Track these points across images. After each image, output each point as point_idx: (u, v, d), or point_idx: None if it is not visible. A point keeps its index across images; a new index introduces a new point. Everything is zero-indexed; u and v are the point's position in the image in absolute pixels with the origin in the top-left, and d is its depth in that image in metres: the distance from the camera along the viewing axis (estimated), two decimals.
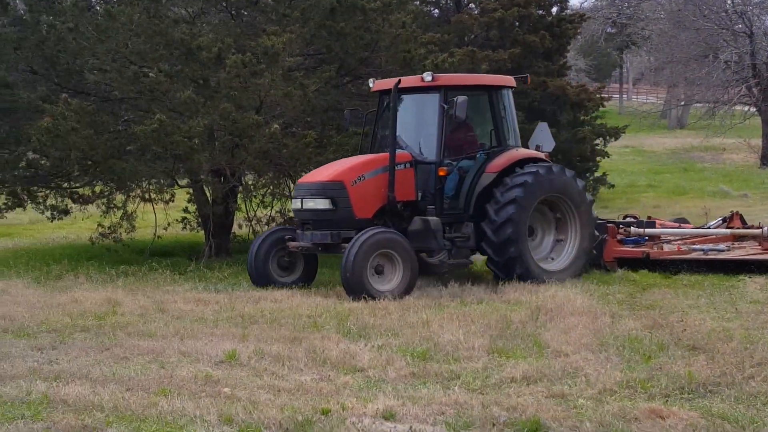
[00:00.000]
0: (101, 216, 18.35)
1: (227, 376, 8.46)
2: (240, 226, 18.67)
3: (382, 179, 13.53)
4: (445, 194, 13.95)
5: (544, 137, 15.64)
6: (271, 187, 16.98)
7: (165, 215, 18.30)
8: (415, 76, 14.14)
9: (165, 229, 18.54)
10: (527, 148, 15.10)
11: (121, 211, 17.89)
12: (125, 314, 11.79)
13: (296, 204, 13.99)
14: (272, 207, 18.33)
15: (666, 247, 15.46)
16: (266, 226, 18.24)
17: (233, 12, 17.43)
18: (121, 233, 17.91)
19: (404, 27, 16.32)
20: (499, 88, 14.51)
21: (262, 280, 14.02)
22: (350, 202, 13.45)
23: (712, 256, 14.91)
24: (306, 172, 14.91)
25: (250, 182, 17.62)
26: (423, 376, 8.33)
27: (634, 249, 15.16)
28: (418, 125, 14.50)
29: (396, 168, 13.56)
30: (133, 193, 17.99)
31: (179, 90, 15.22)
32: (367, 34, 16.23)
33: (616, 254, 15.04)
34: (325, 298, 12.71)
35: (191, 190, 18.48)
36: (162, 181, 17.46)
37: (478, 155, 14.13)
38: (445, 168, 13.78)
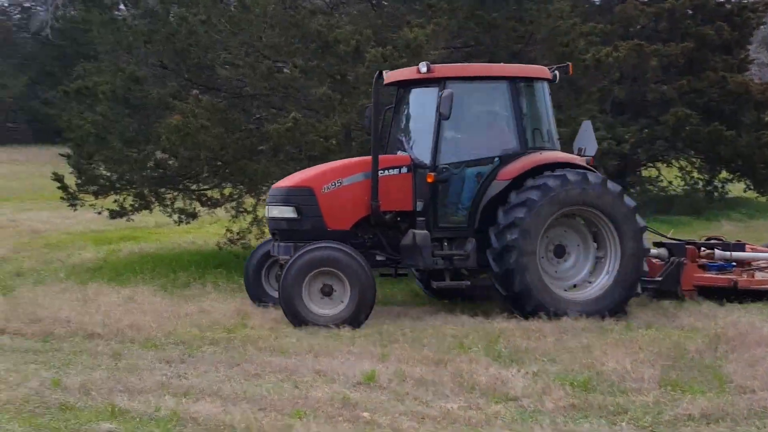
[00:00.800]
0: (230, 220, 18.65)
1: (366, 399, 8.49)
2: None
3: (367, 185, 12.90)
4: (442, 204, 13.04)
5: (587, 138, 14.12)
6: None
7: None
8: (413, 67, 13.27)
9: None
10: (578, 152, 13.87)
11: (251, 215, 18.12)
12: (255, 327, 11.97)
13: (267, 212, 13.67)
14: None
15: (758, 275, 13.86)
16: None
17: (373, 2, 17.49)
18: (250, 239, 18.16)
19: (562, 17, 16.06)
20: (521, 80, 13.27)
21: (255, 294, 13.79)
22: (320, 210, 12.83)
23: None
24: None
25: None
26: (584, 408, 8.19)
27: (720, 276, 13.73)
28: (418, 124, 13.69)
29: (388, 173, 12.92)
30: (264, 197, 18.20)
31: (315, 86, 15.35)
32: (520, 26, 16.07)
33: (696, 281, 13.69)
34: (472, 317, 12.57)
35: None
36: None
37: (495, 159, 13.05)
38: (434, 174, 12.81)
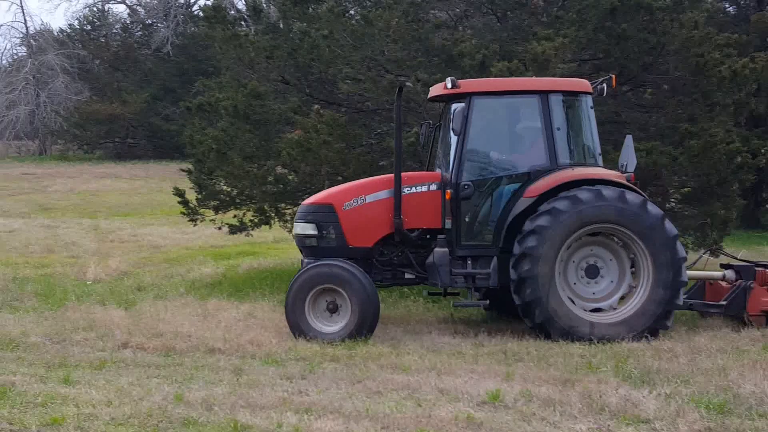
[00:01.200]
0: None
1: (491, 419, 8.47)
2: None
3: (391, 202, 13.09)
4: (465, 222, 12.98)
5: (628, 154, 13.50)
6: None
7: None
8: (442, 83, 13.31)
9: None
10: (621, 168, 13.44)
11: None
12: (376, 344, 12.03)
13: (294, 228, 14.00)
14: None
15: None
16: None
17: (498, 14, 17.48)
18: None
19: (696, 27, 15.77)
20: (554, 93, 13.06)
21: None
22: (341, 227, 13.12)
23: None
24: None
25: None
26: None
27: None
28: (451, 140, 13.36)
29: (414, 190, 13.06)
30: None
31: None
32: (652, 37, 15.82)
33: (765, 306, 13.12)
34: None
35: None
36: None
37: (523, 176, 12.96)
38: (450, 191, 12.84)
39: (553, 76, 14.73)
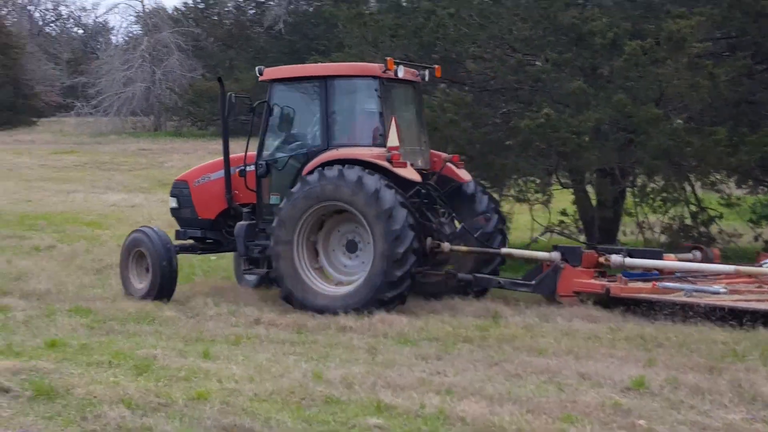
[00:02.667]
0: None
1: (638, 406, 8.30)
2: (624, 233, 18.39)
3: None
4: (264, 197, 14.13)
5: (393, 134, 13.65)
6: (669, 190, 16.50)
7: (548, 216, 18.32)
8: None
9: (542, 234, 18.63)
10: None
11: None
12: (509, 326, 11.91)
13: None
14: (666, 213, 17.81)
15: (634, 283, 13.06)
16: (660, 235, 17.76)
17: None
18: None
19: None
20: (336, 78, 13.80)
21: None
22: (192, 201, 14.83)
23: (693, 299, 12.33)
24: (713, 174, 14.36)
25: (641, 183, 17.12)
26: None
27: (594, 282, 13.03)
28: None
29: (246, 169, 14.22)
30: (507, 191, 18.14)
31: (566, 80, 15.21)
32: None
33: (576, 287, 13.02)
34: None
35: (572, 191, 18.36)
36: (539, 180, 17.50)
37: (302, 156, 13.91)
38: (239, 170, 14.30)
39: (689, 55, 14.40)
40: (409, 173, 13.26)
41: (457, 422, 7.83)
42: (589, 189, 17.54)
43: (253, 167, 14.18)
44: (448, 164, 14.19)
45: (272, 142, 14.36)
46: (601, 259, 13.31)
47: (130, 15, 69.59)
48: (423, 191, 13.81)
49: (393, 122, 13.52)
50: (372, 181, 12.78)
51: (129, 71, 61.08)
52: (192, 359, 10.06)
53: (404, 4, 18.27)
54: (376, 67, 13.66)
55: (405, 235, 12.67)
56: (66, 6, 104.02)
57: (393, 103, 13.97)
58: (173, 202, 15.26)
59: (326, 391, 8.75)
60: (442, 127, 15.53)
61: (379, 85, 13.62)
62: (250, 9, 66.71)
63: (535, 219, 18.22)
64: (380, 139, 13.54)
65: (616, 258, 13.22)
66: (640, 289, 12.89)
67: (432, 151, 14.47)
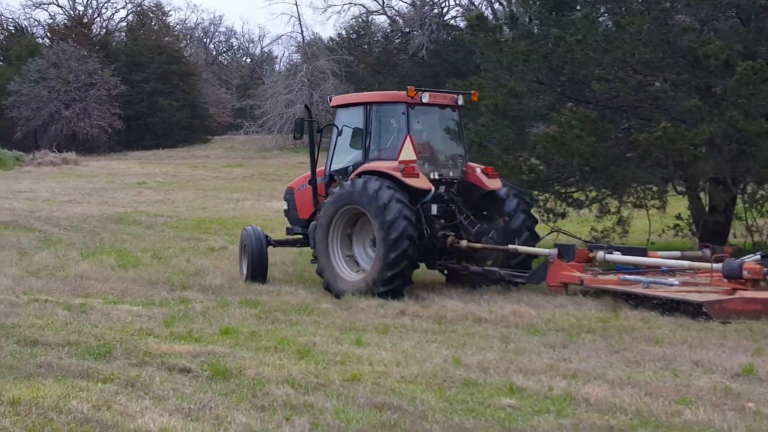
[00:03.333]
0: (595, 220, 18.61)
1: (748, 390, 8.21)
2: (734, 236, 18.03)
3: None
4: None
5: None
6: None
7: (660, 221, 18.14)
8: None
9: (659, 235, 18.40)
10: None
11: (615, 215, 18.00)
12: (628, 318, 11.81)
13: None
14: None
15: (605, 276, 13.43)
16: (767, 237, 17.41)
17: (743, 18, 16.76)
18: (614, 237, 18.06)
19: None
20: (375, 104, 14.96)
21: None
22: (296, 205, 16.16)
23: (650, 291, 12.53)
24: None
25: (750, 191, 16.76)
26: None
27: (573, 275, 13.36)
28: None
29: (318, 180, 15.68)
30: (627, 199, 18.00)
31: (683, 98, 15.00)
32: None
33: (563, 279, 13.46)
34: None
35: (687, 197, 18.12)
36: (657, 187, 17.31)
37: (349, 168, 15.08)
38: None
39: None
40: (419, 182, 14.03)
41: (582, 403, 7.86)
42: (702, 195, 17.25)
43: (323, 179, 15.58)
44: (478, 173, 14.97)
45: (337, 157, 15.55)
46: (591, 255, 13.70)
47: (292, 45, 70.89)
48: (446, 197, 14.76)
49: (407, 140, 14.33)
50: (375, 184, 13.82)
51: (290, 94, 62.29)
52: (346, 345, 10.25)
53: (536, 31, 18.22)
54: (404, 94, 14.65)
55: (398, 223, 13.54)
56: (236, 38, 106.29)
57: (423, 124, 15.34)
58: (285, 205, 16.53)
59: (464, 374, 8.86)
60: (569, 142, 15.48)
61: (406, 109, 14.64)
62: (396, 38, 67.33)
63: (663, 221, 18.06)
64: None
65: (600, 254, 13.62)
66: (607, 280, 13.26)
67: (469, 163, 15.27)
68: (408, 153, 14.29)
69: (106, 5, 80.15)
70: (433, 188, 14.20)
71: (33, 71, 60.61)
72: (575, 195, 18.77)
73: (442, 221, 14.52)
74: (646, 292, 12.57)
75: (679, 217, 18.45)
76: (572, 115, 15.48)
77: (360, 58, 65.87)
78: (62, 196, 32.16)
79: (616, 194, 17.60)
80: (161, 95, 65.31)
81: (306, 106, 17.01)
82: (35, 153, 50.68)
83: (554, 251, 13.73)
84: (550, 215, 18.48)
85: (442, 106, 15.22)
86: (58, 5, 79.52)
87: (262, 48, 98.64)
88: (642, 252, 14.11)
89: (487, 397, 8.06)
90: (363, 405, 7.78)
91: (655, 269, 13.55)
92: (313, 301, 13.34)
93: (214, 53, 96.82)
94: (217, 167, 47.04)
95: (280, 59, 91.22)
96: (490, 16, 48.28)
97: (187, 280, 15.45)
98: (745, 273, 12.13)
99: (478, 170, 15.01)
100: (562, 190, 18.46)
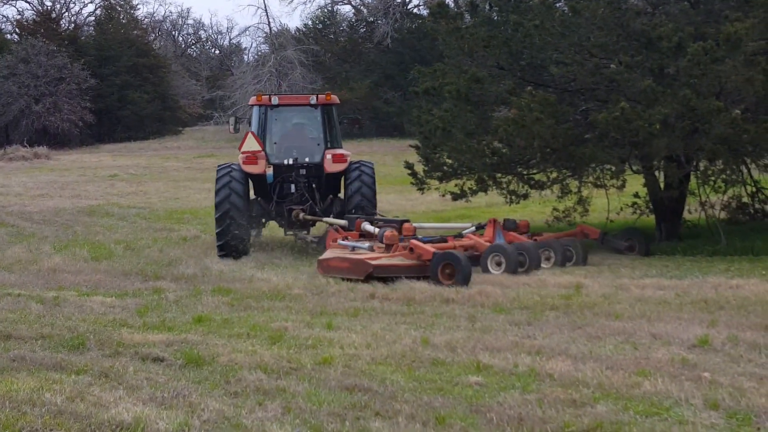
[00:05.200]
0: (556, 200, 18.69)
1: (703, 360, 8.32)
2: (689, 212, 18.19)
3: None
4: None
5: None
6: (728, 172, 16.24)
7: (619, 200, 18.25)
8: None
9: (618, 213, 18.52)
10: None
11: (576, 195, 18.08)
12: (590, 295, 11.93)
13: None
14: (725, 192, 17.62)
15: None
16: (719, 212, 17.59)
17: (692, 0, 16.87)
18: (575, 217, 18.14)
19: None
20: (250, 106, 18.59)
21: None
22: None
23: (352, 254, 14.74)
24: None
25: (703, 167, 16.88)
26: None
27: (328, 240, 16.14)
28: None
29: None
30: (586, 179, 18.05)
31: (638, 80, 15.05)
32: None
33: (329, 246, 15.92)
34: None
35: (643, 176, 18.21)
36: (614, 167, 17.37)
37: None
38: None
39: (744, 53, 14.19)
40: (254, 168, 17.38)
41: (546, 379, 7.93)
42: (657, 174, 17.37)
43: None
44: (327, 159, 17.65)
45: None
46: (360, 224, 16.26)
47: (259, 36, 70.62)
48: (304, 179, 17.80)
49: (248, 134, 17.67)
50: (220, 172, 17.32)
51: (259, 85, 61.98)
52: (318, 330, 10.24)
53: (495, 18, 18.22)
54: (263, 98, 18.13)
55: (222, 205, 16.87)
56: (204, 31, 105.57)
57: (281, 121, 18.29)
58: None
59: (433, 354, 8.90)
60: (530, 125, 15.51)
61: (265, 110, 18.04)
62: (362, 27, 67.19)
63: (621, 200, 18.22)
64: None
65: (364, 224, 16.11)
66: (336, 246, 15.55)
67: (329, 150, 17.82)
68: (250, 144, 17.47)
69: (74, 0, 79.44)
70: (267, 172, 17.47)
71: (2, 67, 59.88)
72: (537, 176, 18.76)
73: (296, 197, 17.70)
74: (349, 256, 14.50)
75: (636, 195, 18.57)
76: (532, 99, 15.50)
77: (326, 47, 65.62)
78: (34, 190, 31.87)
79: (575, 174, 17.64)
80: (131, 88, 64.78)
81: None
82: (6, 148, 50.24)
83: (344, 222, 16.59)
84: (513, 197, 18.52)
85: (297, 105, 18.50)
86: (26, 1, 78.67)
87: (230, 39, 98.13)
88: (400, 223, 15.66)
89: (454, 376, 8.11)
90: (334, 387, 7.79)
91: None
92: (284, 288, 13.27)
93: (183, 46, 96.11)
94: (189, 158, 46.79)
95: (249, 50, 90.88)
96: (452, 4, 48.17)
97: (160, 270, 15.37)
98: (385, 239, 14.73)
99: (329, 156, 17.69)
100: (524, 172, 18.44)
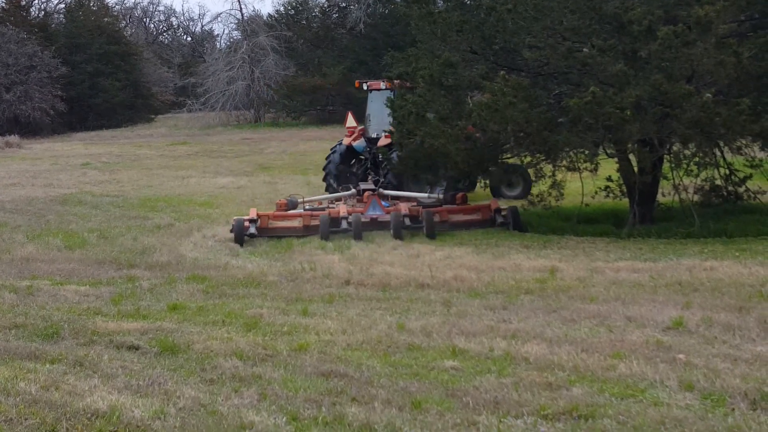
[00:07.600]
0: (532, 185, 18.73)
1: (678, 342, 8.36)
2: (663, 194, 18.27)
3: None
4: None
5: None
6: (701, 155, 16.31)
7: (593, 183, 18.30)
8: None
9: (593, 197, 18.59)
10: None
11: (550, 179, 18.11)
12: (564, 279, 11.97)
13: None
14: (698, 175, 17.70)
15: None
16: (693, 195, 17.68)
17: None
18: (550, 201, 18.18)
19: None
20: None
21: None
22: None
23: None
24: (739, 140, 14.22)
25: (676, 151, 16.96)
26: None
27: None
28: None
29: None
30: (560, 163, 18.07)
31: (610, 63, 15.06)
32: None
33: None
34: (763, 266, 12.04)
35: (616, 159, 18.27)
36: (588, 151, 17.40)
37: None
38: None
39: (716, 36, 14.22)
40: (349, 140, 22.63)
41: (522, 362, 7.95)
42: (631, 158, 17.41)
43: None
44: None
45: None
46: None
47: (231, 23, 70.33)
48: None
49: (348, 114, 23.35)
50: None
51: (231, 71, 61.78)
52: (293, 316, 10.24)
53: (468, 2, 18.19)
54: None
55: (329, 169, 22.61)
56: (176, 17, 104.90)
57: (372, 104, 22.37)
58: None
59: (408, 339, 8.91)
60: (503, 109, 15.49)
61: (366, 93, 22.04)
62: (334, 13, 66.92)
63: (595, 184, 18.29)
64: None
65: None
66: (291, 215, 18.23)
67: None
68: (350, 122, 23.12)
69: None
70: (364, 144, 22.21)
71: None
72: (511, 160, 18.85)
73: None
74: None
75: (609, 179, 18.61)
76: (505, 83, 15.47)
77: (299, 33, 65.38)
78: (6, 179, 31.54)
79: (549, 158, 17.62)
80: (103, 76, 64.31)
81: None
82: None
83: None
84: (488, 180, 18.57)
85: (381, 90, 21.77)
86: None
87: (202, 26, 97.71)
88: (337, 199, 19.92)
89: (430, 361, 8.12)
90: (310, 374, 7.78)
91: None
92: (259, 275, 13.24)
93: (155, 33, 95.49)
94: (162, 146, 46.47)
95: (221, 37, 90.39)
96: None
97: (134, 258, 15.27)
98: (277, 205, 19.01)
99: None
100: (498, 157, 18.48)
